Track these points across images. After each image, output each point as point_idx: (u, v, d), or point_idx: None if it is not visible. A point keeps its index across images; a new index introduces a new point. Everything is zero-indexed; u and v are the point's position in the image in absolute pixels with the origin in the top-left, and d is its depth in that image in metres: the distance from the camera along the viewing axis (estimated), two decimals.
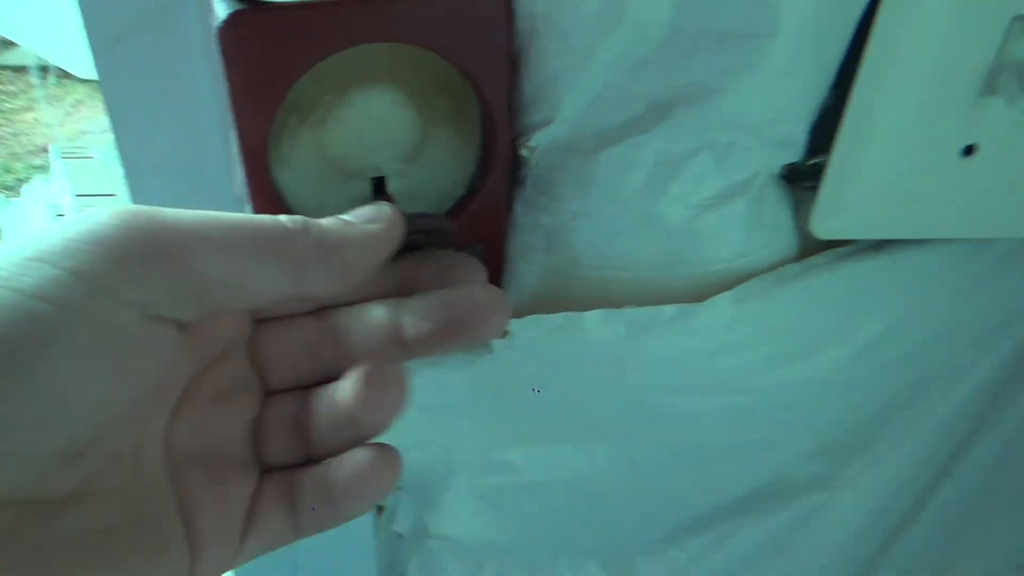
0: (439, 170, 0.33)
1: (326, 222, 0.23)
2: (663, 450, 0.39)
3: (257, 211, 0.30)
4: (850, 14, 0.28)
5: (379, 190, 0.32)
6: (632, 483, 0.43)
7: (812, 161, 0.32)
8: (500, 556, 0.58)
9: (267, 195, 0.29)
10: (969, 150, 0.32)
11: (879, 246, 0.35)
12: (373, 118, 0.31)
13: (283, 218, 0.22)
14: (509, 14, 0.29)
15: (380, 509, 0.59)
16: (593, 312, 0.32)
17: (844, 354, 0.36)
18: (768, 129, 0.29)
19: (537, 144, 0.32)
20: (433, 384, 0.35)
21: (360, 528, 0.55)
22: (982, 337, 0.40)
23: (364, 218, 0.24)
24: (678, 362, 0.33)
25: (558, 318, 0.32)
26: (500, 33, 0.29)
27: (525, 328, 0.32)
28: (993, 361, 0.42)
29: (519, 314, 0.36)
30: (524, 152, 0.32)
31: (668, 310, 0.32)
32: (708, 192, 0.31)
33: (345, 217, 0.24)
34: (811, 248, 0.36)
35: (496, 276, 0.36)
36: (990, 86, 0.30)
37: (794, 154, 0.31)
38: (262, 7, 0.26)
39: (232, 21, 0.26)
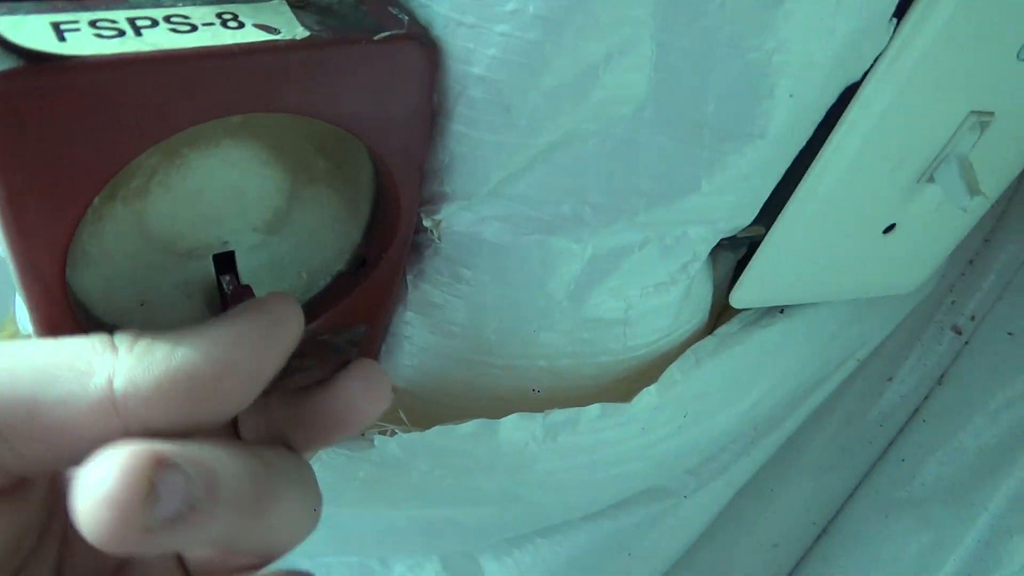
0: (311, 241, 0.24)
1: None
2: (543, 501, 0.36)
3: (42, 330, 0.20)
4: (824, 109, 0.24)
5: (224, 268, 0.23)
6: (497, 519, 0.40)
7: (745, 235, 0.29)
8: (324, 560, 0.53)
9: (59, 314, 0.19)
10: (890, 228, 0.30)
11: (783, 309, 0.33)
12: (219, 180, 0.21)
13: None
14: (430, 72, 0.21)
15: None
16: (508, 419, 0.27)
17: (735, 412, 0.35)
18: (724, 222, 0.25)
19: (444, 218, 0.25)
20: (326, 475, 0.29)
21: None
22: (835, 367, 0.42)
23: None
24: (591, 450, 0.30)
25: (468, 427, 0.26)
26: (418, 99, 0.21)
27: (430, 439, 0.26)
28: (832, 382, 0.44)
29: (407, 397, 0.29)
30: (426, 222, 0.25)
31: (592, 411, 0.27)
32: (646, 282, 0.26)
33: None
34: (715, 304, 0.33)
35: (373, 352, 0.29)
36: (929, 174, 0.28)
37: (732, 233, 0.28)
38: (65, 65, 0.16)
39: (11, 84, 0.15)
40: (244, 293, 0.23)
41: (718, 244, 0.31)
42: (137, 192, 0.20)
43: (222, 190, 0.22)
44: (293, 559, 0.56)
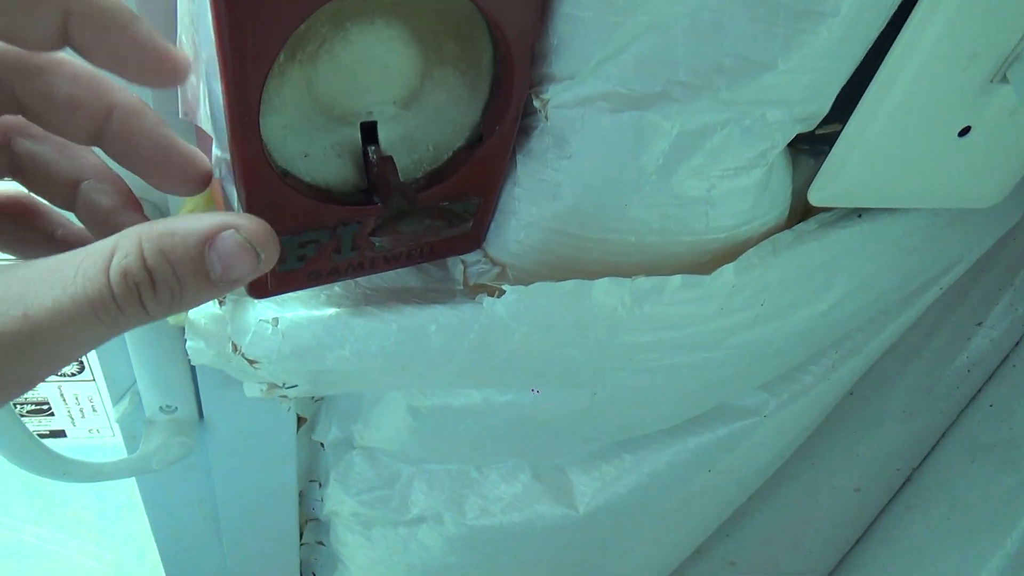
0: (438, 117, 0.29)
1: None
2: (625, 391, 0.40)
3: (240, 163, 0.25)
4: None
5: (369, 137, 0.28)
6: (581, 413, 0.44)
7: (820, 132, 0.32)
8: (426, 468, 0.58)
9: (256, 149, 0.25)
10: (965, 131, 0.32)
11: (860, 213, 0.36)
12: (371, 54, 0.26)
13: None
14: None
15: (301, 420, 0.58)
16: (601, 280, 0.31)
17: (813, 312, 0.37)
18: (800, 106, 0.28)
19: (551, 97, 0.29)
20: (423, 325, 0.33)
21: (280, 437, 0.54)
22: (915, 291, 0.43)
23: None
24: (672, 326, 0.33)
25: (566, 285, 0.30)
26: None
27: (532, 294, 0.31)
28: (915, 310, 0.45)
29: (512, 269, 0.34)
30: (535, 103, 0.29)
31: (675, 280, 0.31)
32: (728, 164, 0.30)
33: None
34: (794, 208, 0.36)
35: (484, 229, 0.34)
36: (1002, 73, 0.30)
37: (810, 126, 0.30)
38: None
39: None
40: (386, 163, 0.28)
41: (799, 148, 0.34)
42: (310, 56, 0.25)
43: (372, 63, 0.27)
44: (399, 465, 0.61)
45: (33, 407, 0.50)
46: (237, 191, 0.26)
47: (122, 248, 0.20)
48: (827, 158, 0.32)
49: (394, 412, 0.50)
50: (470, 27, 0.27)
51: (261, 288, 0.30)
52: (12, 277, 0.19)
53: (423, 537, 0.59)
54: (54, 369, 0.21)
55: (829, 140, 0.32)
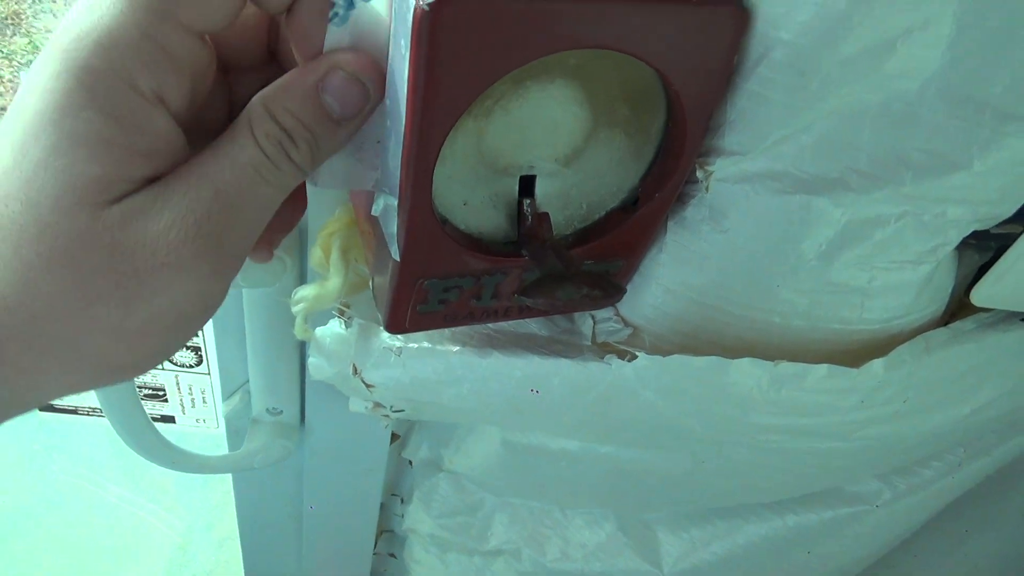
0: (597, 177, 0.29)
1: None
2: (735, 464, 0.39)
3: (409, 210, 0.25)
4: None
5: (526, 190, 0.28)
6: (682, 476, 0.42)
7: (998, 231, 0.30)
8: (510, 501, 0.58)
9: (426, 199, 0.25)
10: None
11: (1022, 316, 0.33)
12: (543, 114, 0.26)
13: None
14: (741, 34, 0.24)
15: (394, 436, 0.59)
16: (742, 361, 0.30)
17: (956, 414, 0.35)
18: (986, 207, 0.27)
19: (716, 169, 0.28)
20: (547, 376, 0.33)
21: (374, 451, 0.55)
22: None
23: None
24: (807, 413, 0.32)
25: (703, 361, 0.30)
26: (727, 54, 0.24)
27: (666, 365, 0.30)
28: None
29: (644, 333, 0.33)
30: (699, 174, 0.29)
31: (820, 370, 0.30)
32: (895, 257, 0.28)
33: None
34: (950, 303, 0.34)
35: (623, 289, 0.33)
36: None
37: (989, 225, 0.29)
38: None
39: (445, 4, 0.21)
40: (542, 219, 0.28)
41: (965, 243, 0.32)
42: (485, 112, 0.25)
43: (543, 121, 0.26)
44: (483, 494, 0.61)
45: (150, 392, 0.52)
46: (396, 232, 0.26)
47: (255, 116, 0.22)
48: (1000, 259, 0.30)
49: (487, 443, 0.50)
50: (647, 94, 0.26)
51: (398, 324, 0.30)
52: (187, 170, 0.22)
53: (497, 569, 0.59)
54: (250, 238, 0.23)
55: (1000, 238, 0.31)
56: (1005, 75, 0.23)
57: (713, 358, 0.30)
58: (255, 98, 0.23)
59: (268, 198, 0.23)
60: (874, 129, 0.25)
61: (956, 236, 0.28)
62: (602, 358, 0.32)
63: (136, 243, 0.21)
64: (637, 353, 0.31)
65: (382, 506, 0.66)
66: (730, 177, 0.28)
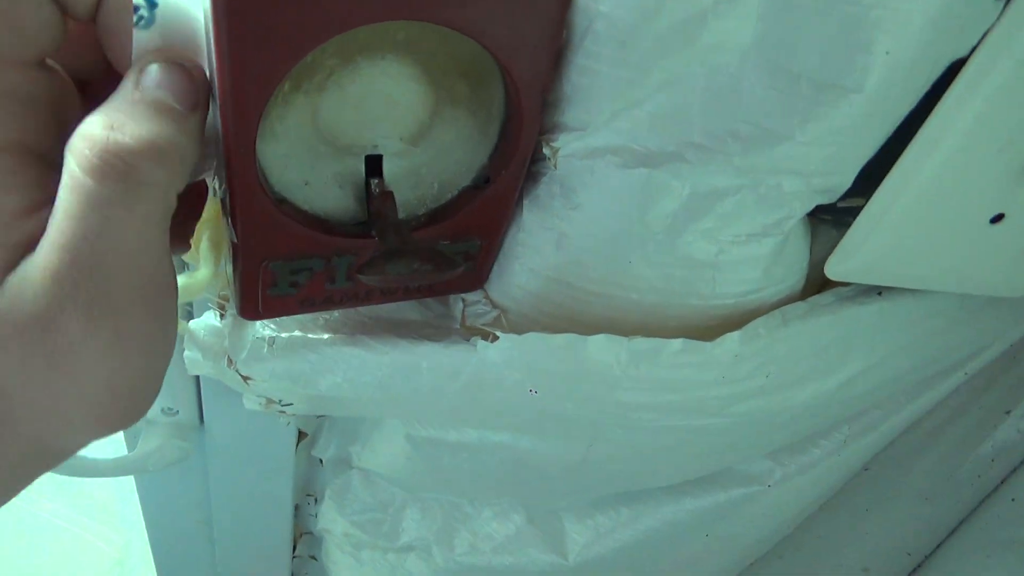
0: (445, 155, 0.29)
1: None
2: (621, 447, 0.39)
3: (234, 189, 0.25)
4: (927, 77, 0.25)
5: (372, 169, 0.28)
6: (576, 463, 0.43)
7: (843, 204, 0.30)
8: (420, 496, 0.58)
9: (251, 177, 0.25)
10: (998, 218, 0.31)
11: (881, 290, 0.34)
12: (379, 89, 0.26)
13: None
14: (564, 5, 0.24)
15: (301, 434, 0.58)
16: (597, 337, 0.30)
17: (823, 388, 0.36)
18: (820, 179, 0.27)
19: (561, 146, 0.28)
20: (415, 362, 0.33)
21: (279, 450, 0.54)
22: (938, 373, 0.41)
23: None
24: (672, 389, 0.32)
25: (560, 339, 0.30)
26: (552, 27, 0.25)
27: (525, 344, 0.30)
28: (937, 393, 0.43)
29: (511, 314, 0.33)
30: (545, 150, 0.29)
31: (675, 344, 0.30)
32: (739, 230, 0.29)
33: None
34: (812, 280, 0.34)
35: (485, 271, 0.33)
36: None
37: (831, 198, 0.29)
38: None
39: None
40: (386, 198, 0.28)
41: (820, 217, 0.33)
42: (317, 86, 0.25)
43: (380, 97, 0.26)
44: (394, 490, 0.60)
45: None
46: (231, 214, 0.26)
47: (75, 155, 0.19)
48: (848, 232, 0.30)
49: (392, 438, 0.49)
50: (482, 70, 0.26)
51: (250, 310, 0.30)
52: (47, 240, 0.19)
53: (411, 566, 0.58)
54: (143, 282, 0.21)
55: (853, 213, 0.31)
56: (816, 45, 0.23)
57: (570, 335, 0.30)
58: (74, 136, 0.20)
59: (131, 235, 0.20)
60: (701, 101, 0.25)
61: (799, 209, 0.29)
62: (468, 340, 0.32)
63: (28, 330, 0.19)
64: (498, 335, 0.31)
65: (297, 507, 0.65)
66: (575, 153, 0.28)
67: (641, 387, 0.32)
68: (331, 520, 0.60)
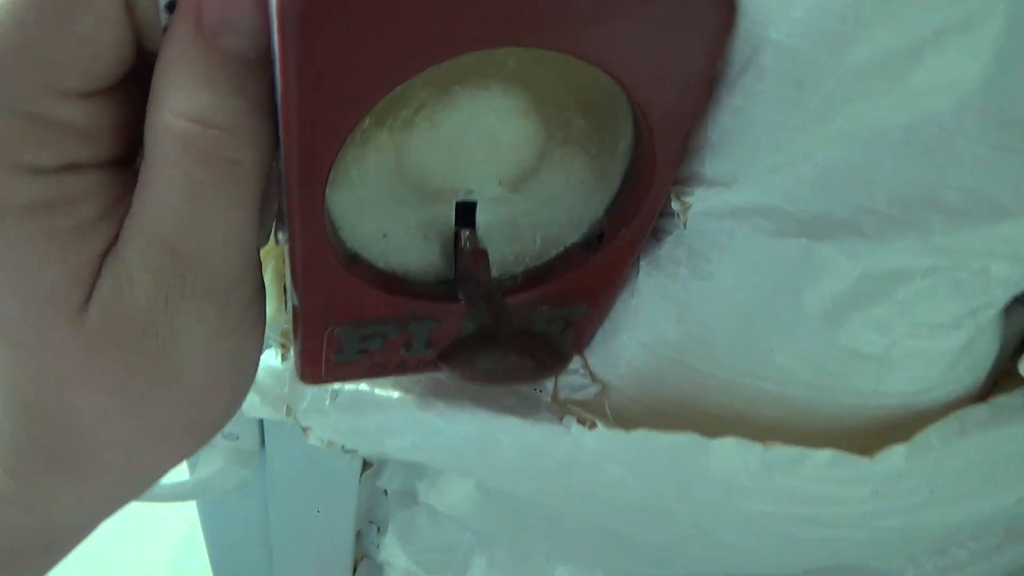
0: (551, 205, 0.23)
1: None
2: (733, 549, 0.33)
3: (297, 245, 0.20)
4: None
5: (464, 218, 0.23)
6: (673, 545, 0.37)
7: None
8: (490, 541, 0.53)
9: (319, 234, 0.20)
10: None
11: None
12: (480, 126, 0.21)
13: None
14: (724, 31, 0.19)
15: (366, 464, 0.55)
16: (725, 442, 0.24)
17: (998, 503, 0.29)
18: None
19: (696, 201, 0.22)
20: (495, 436, 0.28)
21: (342, 480, 0.51)
22: None
23: None
24: (809, 502, 0.26)
25: (678, 440, 0.24)
26: (706, 60, 0.19)
27: (633, 443, 0.24)
28: None
29: (613, 392, 0.28)
30: (674, 205, 0.23)
31: (822, 456, 0.24)
32: (921, 319, 0.22)
33: None
34: (992, 373, 0.28)
35: (586, 339, 0.27)
36: None
37: None
38: None
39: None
40: (478, 256, 0.23)
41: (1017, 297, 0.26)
42: (403, 123, 0.20)
43: (479, 135, 0.21)
44: (462, 532, 0.56)
45: None
46: (292, 273, 0.21)
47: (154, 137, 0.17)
48: None
49: (462, 483, 0.45)
50: (608, 104, 0.21)
51: (313, 375, 0.25)
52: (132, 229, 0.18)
53: None
54: (238, 263, 0.19)
55: None
56: None
57: (688, 436, 0.24)
58: (155, 117, 0.17)
59: (230, 220, 0.18)
60: (895, 160, 0.19)
61: (1002, 297, 0.22)
62: (560, 420, 0.27)
63: (126, 334, 0.18)
64: (597, 422, 0.25)
65: (359, 533, 0.62)
66: (713, 212, 0.22)
67: (773, 499, 0.26)
68: (393, 554, 0.57)
